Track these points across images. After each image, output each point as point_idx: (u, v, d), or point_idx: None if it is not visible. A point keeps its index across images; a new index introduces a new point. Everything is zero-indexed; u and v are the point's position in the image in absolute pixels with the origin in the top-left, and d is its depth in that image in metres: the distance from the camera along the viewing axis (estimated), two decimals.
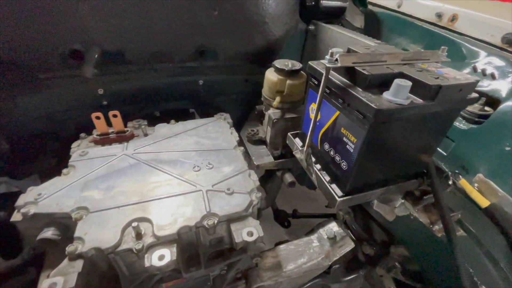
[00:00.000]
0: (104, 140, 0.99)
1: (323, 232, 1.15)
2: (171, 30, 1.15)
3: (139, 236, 0.66)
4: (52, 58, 1.06)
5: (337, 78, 0.71)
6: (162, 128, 1.09)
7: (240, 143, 1.06)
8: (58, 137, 1.18)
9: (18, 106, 1.08)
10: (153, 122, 1.15)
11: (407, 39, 1.29)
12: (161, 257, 0.63)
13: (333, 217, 1.31)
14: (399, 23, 1.35)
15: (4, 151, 1.05)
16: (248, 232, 0.70)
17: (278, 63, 1.07)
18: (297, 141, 0.98)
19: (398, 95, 0.59)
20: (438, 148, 0.87)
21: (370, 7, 1.53)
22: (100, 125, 0.97)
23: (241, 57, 1.33)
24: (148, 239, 0.66)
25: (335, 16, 1.43)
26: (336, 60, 0.64)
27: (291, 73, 1.05)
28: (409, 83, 0.58)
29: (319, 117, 0.83)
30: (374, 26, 1.46)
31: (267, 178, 1.34)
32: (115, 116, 0.98)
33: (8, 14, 0.92)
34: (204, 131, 1.08)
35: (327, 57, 0.64)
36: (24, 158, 1.17)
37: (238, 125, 1.28)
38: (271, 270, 1.01)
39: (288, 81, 1.05)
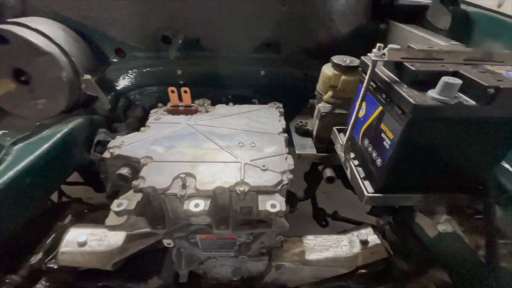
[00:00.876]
0: (174, 110, 1.20)
1: (356, 234, 1.12)
2: (242, 23, 1.29)
3: (184, 186, 0.81)
4: (148, 42, 1.33)
5: (385, 73, 0.70)
6: (221, 108, 1.24)
7: (286, 131, 1.13)
8: (143, 106, 1.47)
9: (112, 79, 1.39)
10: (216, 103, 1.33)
11: (505, 44, 1.11)
12: (196, 205, 0.76)
13: (372, 226, 1.25)
14: (497, 25, 1.17)
15: (106, 112, 1.38)
16: (272, 204, 0.77)
17: (336, 58, 1.09)
18: (341, 136, 0.99)
19: (443, 93, 0.56)
20: (505, 163, 0.75)
21: (463, 6, 1.36)
22: (173, 98, 1.18)
23: (303, 51, 1.38)
24: (190, 190, 0.80)
25: (414, 15, 1.33)
26: (384, 54, 0.65)
27: (347, 69, 1.06)
28: (459, 81, 0.55)
29: (364, 112, 0.83)
30: (463, 28, 1.30)
31: (310, 171, 1.37)
32: (185, 92, 1.17)
33: (121, 5, 1.21)
34: (256, 116, 1.19)
35: (374, 50, 0.65)
36: (117, 118, 1.50)
37: (292, 117, 1.34)
38: (294, 254, 1.06)
39: (342, 77, 1.06)
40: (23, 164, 0.92)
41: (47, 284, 0.97)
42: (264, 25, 1.30)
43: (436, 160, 0.67)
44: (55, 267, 0.99)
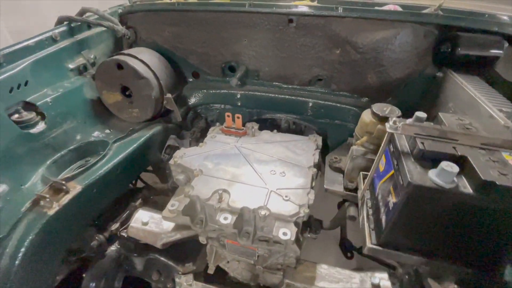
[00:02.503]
0: (227, 131, 1.44)
1: (370, 275, 1.16)
2: (296, 61, 1.45)
3: (220, 200, 1.03)
4: (217, 69, 1.61)
5: (401, 142, 0.78)
6: (265, 134, 1.43)
7: (318, 165, 1.24)
8: (206, 120, 1.77)
9: (186, 96, 1.72)
10: (265, 126, 1.53)
11: None
12: (225, 218, 0.97)
13: (392, 270, 1.26)
14: None
15: (178, 122, 1.72)
16: (284, 232, 0.92)
17: (376, 106, 1.15)
18: (364, 182, 1.06)
19: (441, 177, 0.62)
20: None
21: None
22: (228, 121, 1.43)
23: (352, 90, 1.46)
24: (224, 204, 1.02)
25: (479, 66, 1.26)
26: (398, 128, 0.73)
27: (384, 119, 1.11)
28: (456, 170, 0.61)
29: (383, 168, 0.90)
30: None
31: (340, 204, 1.44)
32: (238, 117, 1.40)
33: (200, 40, 1.51)
34: (293, 146, 1.34)
35: (390, 123, 0.74)
36: (185, 126, 1.85)
37: (329, 150, 1.44)
38: (305, 277, 1.18)
39: (378, 126, 1.12)
40: (119, 157, 1.30)
41: (118, 246, 1.34)
42: (316, 64, 1.43)
43: (435, 231, 0.72)
44: (125, 235, 1.35)
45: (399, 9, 1.35)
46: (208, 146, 1.33)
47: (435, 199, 0.65)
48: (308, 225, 1.21)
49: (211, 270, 1.32)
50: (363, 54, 1.30)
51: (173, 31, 1.58)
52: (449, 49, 1.24)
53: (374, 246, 0.82)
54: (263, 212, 0.98)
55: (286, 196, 1.04)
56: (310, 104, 1.59)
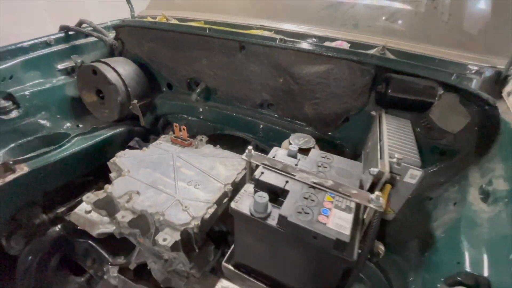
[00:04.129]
0: (175, 140, 1.56)
1: None
2: (248, 85, 1.55)
3: (128, 200, 1.14)
4: (183, 83, 1.76)
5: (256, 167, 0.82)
6: (207, 148, 1.53)
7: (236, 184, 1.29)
8: (164, 127, 1.93)
9: (157, 104, 1.89)
10: (217, 139, 1.63)
11: None
12: (123, 216, 1.07)
13: None
14: None
15: (145, 126, 1.89)
16: (163, 238, 0.99)
17: (294, 136, 1.19)
18: None
19: (254, 205, 0.67)
20: None
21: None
22: (176, 131, 1.55)
23: (293, 118, 1.51)
24: (129, 205, 1.12)
25: (413, 109, 1.25)
26: (252, 155, 0.78)
27: (300, 150, 1.15)
28: (265, 200, 0.65)
29: None
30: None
31: None
32: (184, 129, 1.52)
33: (170, 56, 1.67)
34: (226, 162, 1.41)
35: (246, 151, 0.80)
36: (156, 132, 2.01)
37: None
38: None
39: None
40: (74, 149, 1.48)
41: (59, 227, 1.50)
42: (263, 89, 1.51)
43: (266, 258, 0.74)
44: (68, 219, 1.50)
45: (346, 45, 1.40)
46: (149, 151, 1.46)
47: (252, 226, 0.69)
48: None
49: (131, 266, 1.41)
50: (300, 85, 1.36)
51: (150, 46, 1.78)
52: (383, 90, 1.25)
53: (228, 266, 0.85)
54: (157, 217, 1.06)
55: (185, 207, 1.11)
56: (261, 126, 1.66)
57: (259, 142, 1.74)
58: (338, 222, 0.60)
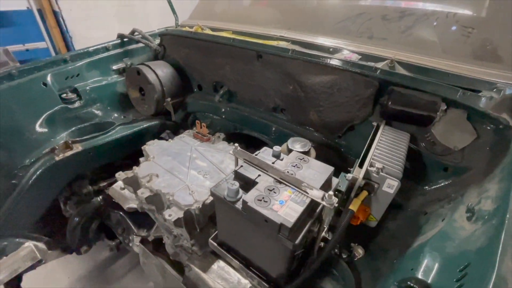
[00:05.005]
0: (196, 135, 1.79)
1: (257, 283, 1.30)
2: (263, 90, 1.70)
3: (149, 180, 1.38)
4: (210, 85, 1.99)
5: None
6: (221, 144, 1.72)
7: None
8: (192, 123, 2.18)
9: (188, 103, 2.15)
10: (238, 138, 1.83)
11: None
12: (142, 193, 1.31)
13: None
14: None
15: (176, 121, 2.17)
16: (169, 214, 1.20)
17: (293, 140, 1.31)
18: None
19: (228, 191, 0.82)
20: None
21: None
22: (198, 126, 1.78)
23: (301, 123, 1.61)
24: (150, 185, 1.36)
25: (411, 122, 1.26)
26: (236, 152, 0.94)
27: (290, 151, 1.26)
28: (235, 188, 0.79)
29: None
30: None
31: None
32: (204, 126, 1.74)
33: (201, 61, 1.91)
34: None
35: (233, 148, 0.95)
36: (185, 127, 2.28)
37: None
38: (201, 265, 1.40)
39: None
40: (116, 136, 1.81)
41: (100, 198, 1.84)
42: (276, 95, 1.65)
43: (238, 238, 0.89)
44: (107, 193, 1.84)
45: (356, 57, 1.45)
46: (173, 142, 1.71)
47: (226, 208, 0.84)
48: None
49: (150, 238, 1.67)
50: (306, 93, 1.46)
51: (186, 52, 2.05)
52: (385, 102, 1.29)
53: (213, 242, 1.02)
54: (167, 197, 1.28)
55: (192, 191, 1.31)
56: (273, 128, 1.80)
57: (271, 143, 1.87)
58: (289, 211, 0.71)
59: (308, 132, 1.65)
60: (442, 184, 1.27)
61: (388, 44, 1.47)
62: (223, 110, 2.01)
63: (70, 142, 1.62)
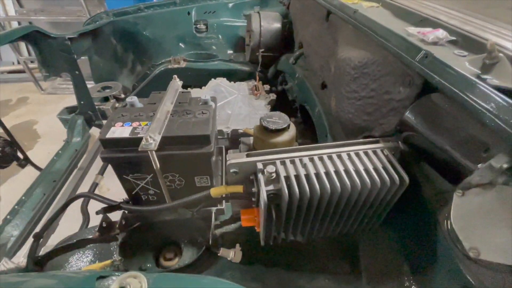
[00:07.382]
0: (253, 88, 1.84)
1: None
2: (320, 59, 1.42)
3: None
4: (296, 46, 1.87)
5: None
6: (258, 102, 1.69)
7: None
8: (282, 83, 2.17)
9: (280, 60, 2.13)
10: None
11: None
12: None
13: None
14: None
15: (263, 78, 2.26)
16: None
17: (266, 116, 1.08)
18: None
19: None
20: None
21: None
22: (257, 79, 1.81)
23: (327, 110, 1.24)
24: None
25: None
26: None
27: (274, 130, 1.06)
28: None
29: None
30: None
31: None
32: (260, 82, 1.75)
33: (299, 21, 1.80)
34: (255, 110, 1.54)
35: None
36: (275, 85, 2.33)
37: None
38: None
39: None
40: (215, 67, 2.22)
41: None
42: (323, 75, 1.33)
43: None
44: None
45: (442, 34, 0.86)
46: (235, 86, 1.89)
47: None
48: None
49: None
50: (334, 69, 1.08)
51: (297, 7, 1.95)
52: None
53: None
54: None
55: None
56: (316, 110, 1.51)
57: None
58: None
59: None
60: None
61: None
62: (297, 75, 1.86)
63: (180, 58, 2.20)
